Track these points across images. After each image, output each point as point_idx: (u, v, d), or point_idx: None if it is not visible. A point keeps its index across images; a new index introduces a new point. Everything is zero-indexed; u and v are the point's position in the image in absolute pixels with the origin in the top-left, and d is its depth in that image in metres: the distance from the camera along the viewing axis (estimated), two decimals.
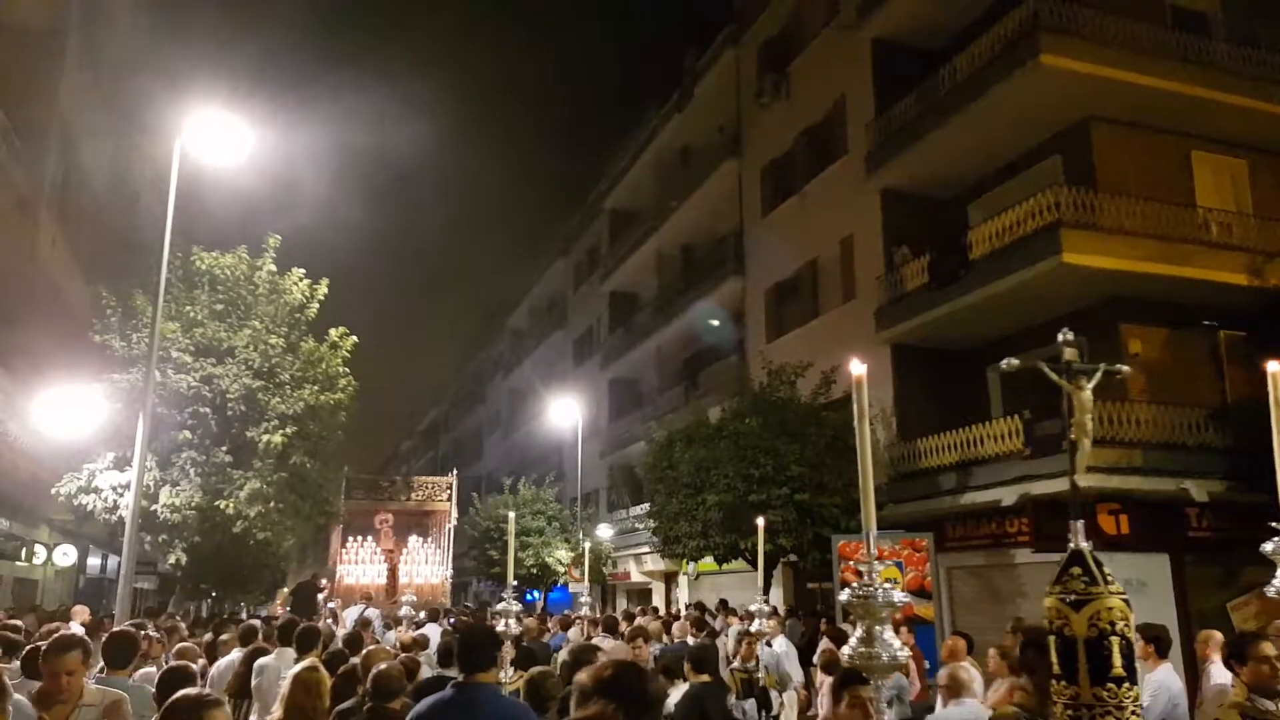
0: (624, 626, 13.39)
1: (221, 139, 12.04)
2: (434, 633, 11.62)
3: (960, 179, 18.18)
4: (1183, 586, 13.47)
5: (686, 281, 28.89)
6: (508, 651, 7.23)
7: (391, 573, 24.42)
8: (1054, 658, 3.15)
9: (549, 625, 15.48)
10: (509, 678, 6.98)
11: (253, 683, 7.00)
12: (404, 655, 7.27)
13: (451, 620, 15.21)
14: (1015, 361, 3.97)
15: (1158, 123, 15.61)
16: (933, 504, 15.67)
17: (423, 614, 15.11)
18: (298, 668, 5.28)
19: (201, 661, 9.14)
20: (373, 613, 15.33)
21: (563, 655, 11.97)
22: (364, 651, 7.03)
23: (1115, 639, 3.03)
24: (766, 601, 7.82)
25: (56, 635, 4.83)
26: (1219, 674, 7.56)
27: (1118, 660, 3.00)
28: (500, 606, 6.44)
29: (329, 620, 15.80)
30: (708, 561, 18.57)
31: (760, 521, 8.61)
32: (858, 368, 2.84)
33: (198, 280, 17.05)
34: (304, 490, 17.18)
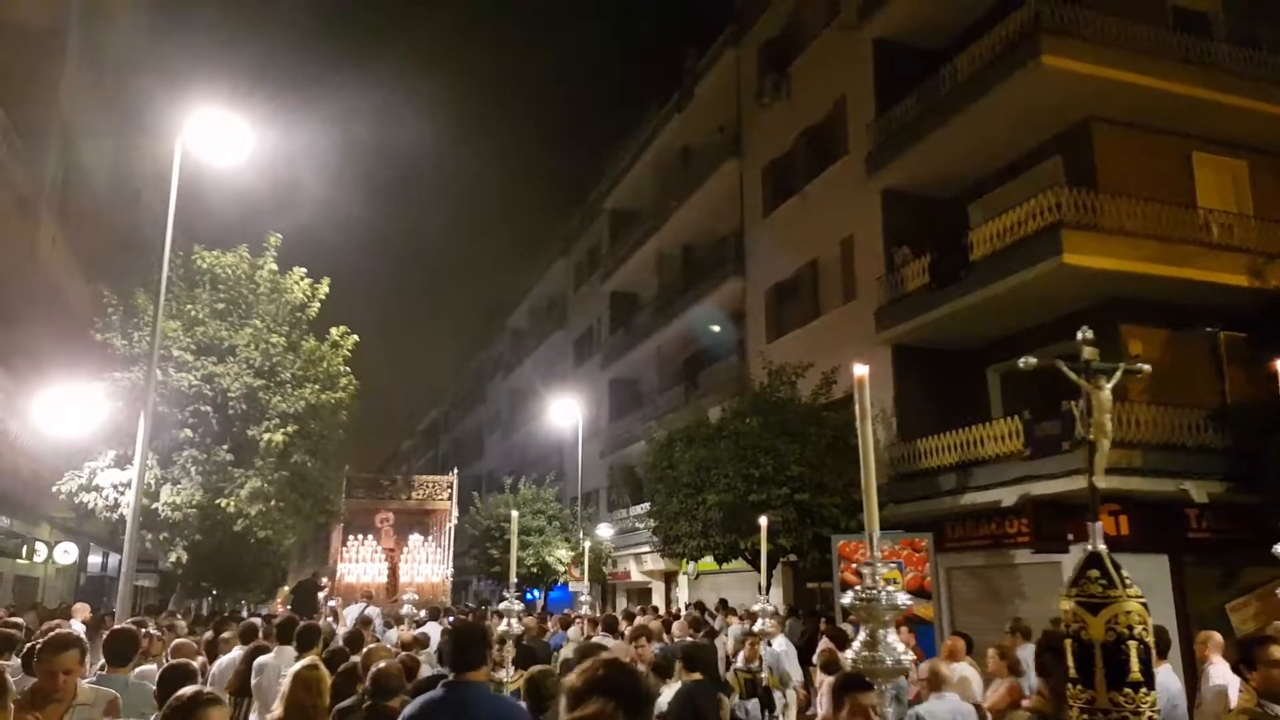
0: (624, 626, 13.42)
1: (222, 138, 12.06)
2: (434, 631, 11.65)
3: (961, 179, 18.19)
4: (1182, 587, 13.48)
5: (687, 282, 28.89)
6: (508, 651, 7.26)
7: (392, 571, 24.44)
8: (1070, 661, 3.09)
9: (549, 624, 15.51)
10: (509, 677, 7.00)
11: (253, 681, 7.01)
12: (404, 654, 7.28)
13: (451, 619, 15.22)
14: (1033, 360, 3.90)
15: (1158, 123, 15.61)
16: (932, 504, 15.68)
17: (422, 612, 15.14)
18: (298, 665, 5.29)
19: (202, 659, 9.18)
20: (373, 611, 15.34)
21: (565, 653, 12.01)
22: (364, 650, 7.04)
23: (1133, 643, 2.97)
24: (769, 601, 7.82)
25: (53, 634, 4.80)
26: (1218, 674, 7.58)
27: (1135, 665, 2.95)
28: (502, 605, 6.46)
29: (329, 619, 15.81)
30: (708, 561, 18.58)
31: (763, 521, 8.61)
32: (860, 369, 2.81)
33: (199, 279, 17.07)
34: (305, 489, 17.19)
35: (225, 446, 15.81)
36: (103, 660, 5.76)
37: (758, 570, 17.03)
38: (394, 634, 12.64)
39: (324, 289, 17.85)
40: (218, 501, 15.38)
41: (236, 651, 7.83)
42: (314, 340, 17.57)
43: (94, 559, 25.29)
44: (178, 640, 8.58)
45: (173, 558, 16.93)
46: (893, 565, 12.76)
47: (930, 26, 19.13)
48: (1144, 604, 3.07)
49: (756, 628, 7.83)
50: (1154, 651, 3.11)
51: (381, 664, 5.37)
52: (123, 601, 11.40)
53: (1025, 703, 7.58)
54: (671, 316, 28.64)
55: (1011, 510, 14.31)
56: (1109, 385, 3.62)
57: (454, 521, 25.82)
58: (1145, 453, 13.28)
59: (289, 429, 15.94)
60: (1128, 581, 3.14)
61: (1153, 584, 13.00)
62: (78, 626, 10.50)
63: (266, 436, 15.63)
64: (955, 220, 17.91)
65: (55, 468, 15.56)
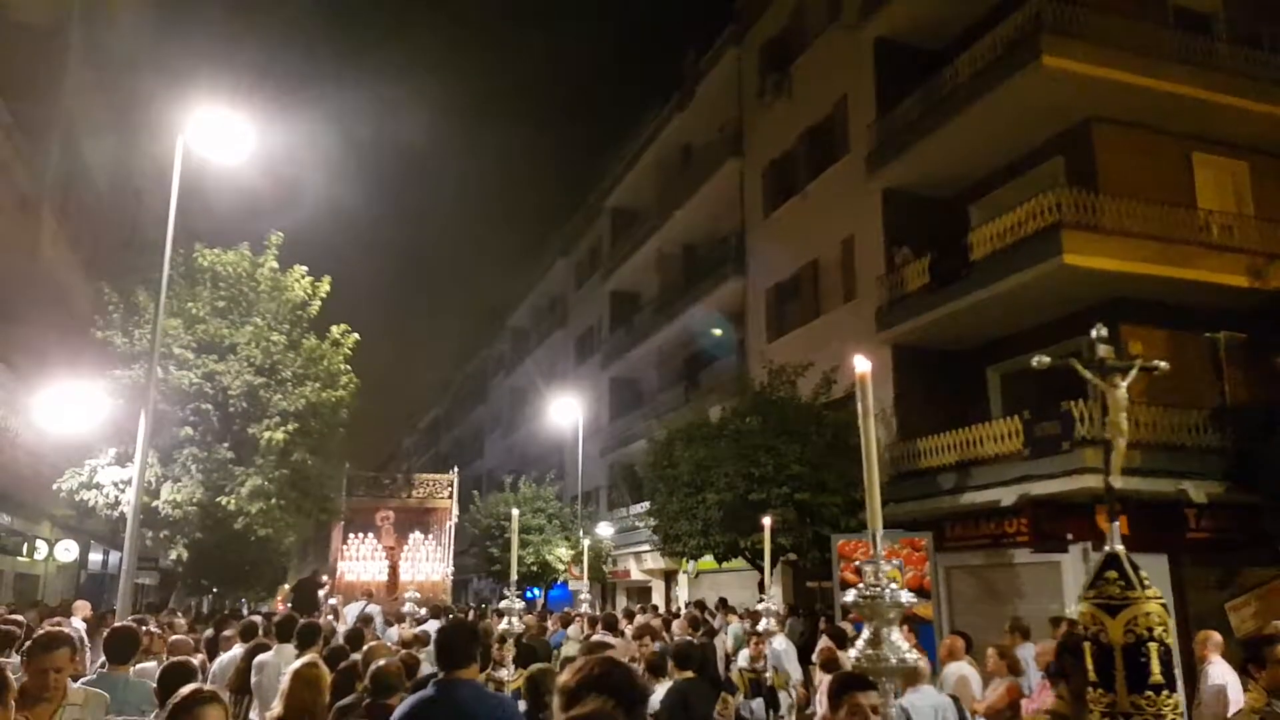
0: (624, 624, 13.45)
1: (224, 136, 12.09)
2: (435, 629, 11.65)
3: (962, 179, 18.19)
4: (1181, 587, 13.49)
5: (688, 281, 28.90)
6: (509, 649, 7.28)
7: (392, 570, 24.45)
8: (1090, 664, 3.03)
9: (549, 623, 15.53)
10: (510, 675, 7.02)
11: (253, 679, 7.03)
12: (404, 652, 7.30)
13: (451, 618, 15.24)
14: (1046, 360, 3.82)
15: (1159, 124, 15.61)
16: (932, 504, 15.70)
17: (423, 610, 15.15)
18: (298, 663, 5.30)
19: (202, 657, 9.20)
20: (374, 609, 15.36)
21: (567, 651, 12.03)
22: (365, 648, 7.05)
23: (1153, 645, 2.92)
24: (774, 601, 7.84)
25: (44, 632, 4.76)
26: (1216, 674, 7.60)
27: (1156, 667, 2.89)
28: (502, 604, 6.48)
29: (330, 617, 15.83)
30: (707, 560, 18.60)
31: (767, 521, 8.64)
32: (862, 364, 2.75)
33: (200, 277, 17.08)
34: (305, 487, 17.20)
35: (226, 444, 15.83)
36: (103, 658, 5.78)
37: (758, 569, 17.12)
38: (395, 632, 12.66)
39: (325, 287, 17.86)
40: (218, 499, 15.40)
41: (237, 649, 7.85)
42: (315, 338, 17.59)
43: (95, 557, 25.31)
44: (174, 637, 8.61)
45: (173, 555, 16.94)
46: (893, 564, 12.76)
47: (931, 26, 19.13)
48: (1164, 605, 3.02)
49: (760, 627, 7.84)
50: (1175, 653, 3.05)
51: (381, 662, 5.38)
52: (123, 599, 11.41)
53: (1030, 705, 7.60)
54: (672, 316, 28.64)
55: (1011, 510, 14.32)
56: (1124, 383, 3.52)
57: (454, 520, 25.82)
58: (1145, 453, 13.30)
59: (290, 427, 15.95)
60: (1146, 582, 3.08)
61: (1152, 584, 13.03)
62: (78, 624, 10.54)
63: (267, 434, 15.65)
64: (956, 220, 17.92)
65: (56, 465, 15.57)
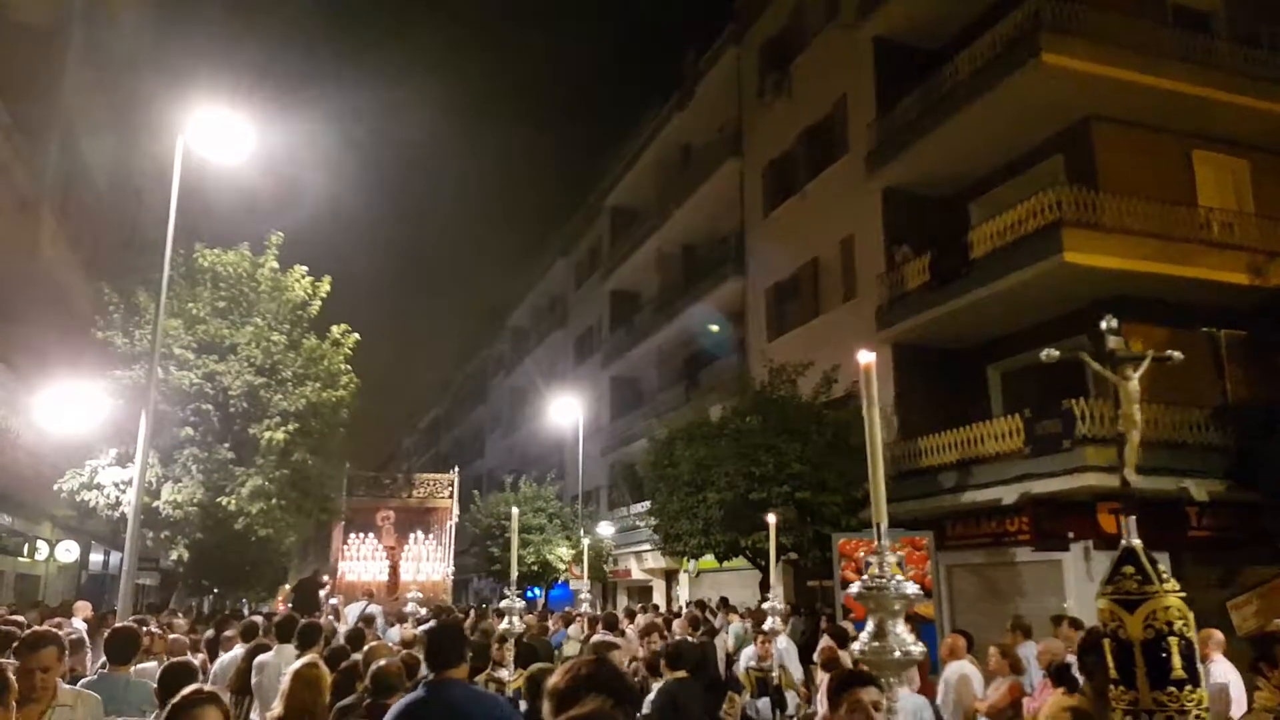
0: (625, 624, 13.46)
1: (224, 137, 12.08)
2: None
3: (961, 178, 18.18)
4: (1182, 585, 13.46)
5: (687, 280, 28.90)
6: (509, 649, 7.27)
7: (393, 569, 24.44)
8: (1110, 661, 2.98)
9: (550, 622, 15.52)
10: (510, 675, 7.01)
11: (253, 679, 7.02)
12: (404, 652, 7.29)
13: (450, 618, 15.23)
14: (1055, 353, 3.80)
15: (1159, 122, 15.61)
16: (933, 502, 15.69)
17: (423, 610, 15.14)
18: (298, 663, 5.29)
19: (202, 657, 9.19)
20: (375, 609, 15.35)
21: (569, 651, 12.02)
22: (365, 648, 7.04)
23: (1174, 639, 2.87)
24: (779, 599, 7.82)
25: (30, 631, 4.72)
26: (1218, 672, 7.60)
27: (1177, 662, 2.84)
28: (503, 603, 6.47)
29: (330, 617, 15.83)
30: (708, 559, 18.60)
31: (771, 519, 8.63)
32: (866, 356, 2.71)
33: (200, 277, 17.07)
34: (306, 487, 17.20)
35: (226, 445, 15.83)
36: (104, 658, 5.77)
37: (758, 568, 17.13)
38: (396, 632, 12.66)
39: (325, 287, 17.86)
40: (219, 500, 15.39)
41: (238, 650, 7.84)
42: (315, 338, 17.58)
43: (95, 557, 25.31)
44: (171, 636, 8.61)
45: (174, 556, 16.93)
46: (897, 556, 12.77)
47: (930, 25, 19.12)
48: (1183, 598, 2.96)
49: (766, 626, 7.84)
50: (1196, 647, 2.97)
51: (382, 662, 5.38)
52: (124, 600, 11.41)
53: (1032, 704, 7.59)
54: (672, 315, 28.65)
55: (1012, 508, 14.31)
56: (1136, 375, 3.47)
57: (455, 520, 25.82)
58: (1146, 451, 13.16)
59: (290, 427, 15.95)
60: (1164, 576, 3.02)
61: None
62: (79, 624, 10.53)
63: (267, 435, 15.64)
64: (956, 219, 17.91)
65: (57, 466, 15.57)
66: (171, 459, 15.38)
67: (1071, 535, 13.51)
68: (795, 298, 22.68)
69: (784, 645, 10.88)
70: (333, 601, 20.72)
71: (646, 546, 24.95)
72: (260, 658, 7.12)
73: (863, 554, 13.29)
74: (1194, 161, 16.18)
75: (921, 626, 11.86)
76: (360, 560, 24.25)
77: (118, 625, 6.66)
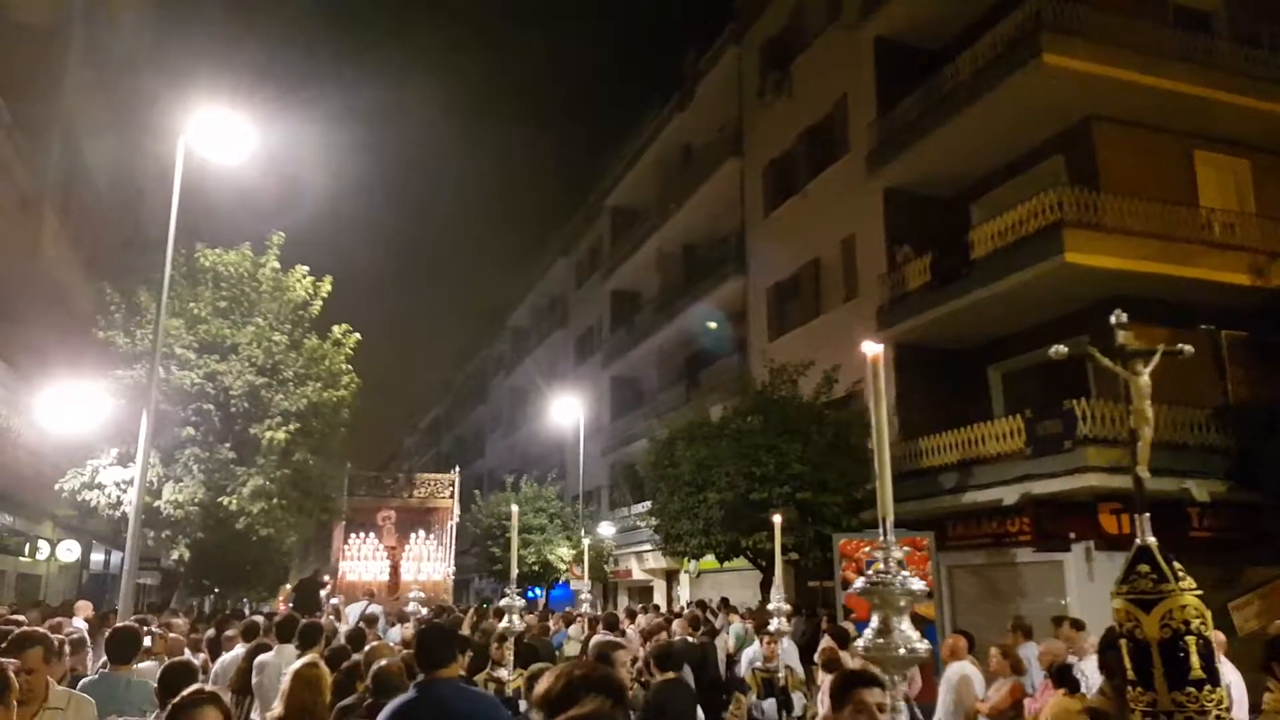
0: (625, 624, 13.46)
1: (225, 136, 12.08)
2: None
3: (962, 178, 18.18)
4: None
5: (688, 280, 28.90)
6: (508, 649, 7.26)
7: (394, 569, 24.44)
8: (1127, 663, 2.93)
9: (551, 622, 15.52)
10: (510, 675, 7.01)
11: (254, 679, 7.02)
12: (405, 651, 7.28)
13: (451, 618, 15.23)
14: (1063, 349, 3.74)
15: (1160, 122, 15.60)
16: (934, 503, 15.68)
17: (424, 610, 15.14)
18: (299, 663, 5.29)
19: (204, 657, 9.19)
20: (376, 609, 15.35)
21: (569, 650, 12.02)
22: (366, 647, 7.04)
23: (1192, 639, 2.83)
24: (784, 600, 7.80)
25: (17, 632, 4.67)
26: (1221, 673, 7.57)
27: (1196, 661, 2.79)
28: (503, 602, 6.47)
29: (331, 616, 15.83)
30: (709, 560, 18.59)
31: (777, 519, 8.63)
32: (873, 347, 2.66)
33: (201, 277, 17.07)
34: (307, 487, 17.19)
35: (227, 444, 15.83)
36: (105, 658, 5.77)
37: (759, 569, 17.12)
38: (396, 632, 12.66)
39: (326, 287, 17.87)
40: (220, 499, 15.40)
41: (238, 649, 7.84)
42: (316, 338, 17.59)
43: (96, 557, 25.31)
44: (170, 636, 8.61)
45: (175, 556, 16.94)
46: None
47: (931, 25, 19.12)
48: (1200, 596, 2.91)
49: (772, 627, 7.82)
50: (1215, 646, 2.91)
51: (383, 662, 5.37)
52: (125, 599, 11.42)
53: (1033, 705, 7.59)
54: (673, 315, 28.64)
55: (1013, 509, 14.31)
56: (1146, 370, 3.40)
57: (456, 519, 25.82)
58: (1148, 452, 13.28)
59: (291, 427, 15.95)
60: (1180, 574, 2.98)
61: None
62: (80, 624, 10.53)
63: (268, 434, 15.65)
64: (957, 219, 17.91)
65: (58, 465, 15.57)
66: (173, 459, 15.39)
67: (1072, 536, 13.50)
68: (796, 298, 22.67)
69: (785, 646, 10.88)
70: (333, 601, 20.73)
71: (647, 547, 24.95)
72: (261, 657, 7.12)
73: (864, 554, 13.30)
74: (1195, 162, 16.17)
75: (923, 627, 11.87)
76: (361, 560, 24.24)
77: (119, 625, 6.66)
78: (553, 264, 43.61)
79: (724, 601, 18.08)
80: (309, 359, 17.08)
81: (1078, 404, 13.38)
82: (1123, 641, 2.96)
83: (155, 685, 4.98)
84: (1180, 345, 3.50)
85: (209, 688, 3.91)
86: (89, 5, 19.38)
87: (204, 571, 21.04)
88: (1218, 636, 8.06)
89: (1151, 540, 3.10)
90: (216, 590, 27.27)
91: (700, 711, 6.35)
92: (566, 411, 31.75)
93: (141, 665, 6.53)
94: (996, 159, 17.35)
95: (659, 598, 27.32)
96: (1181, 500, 13.39)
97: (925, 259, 17.15)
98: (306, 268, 17.77)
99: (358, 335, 18.15)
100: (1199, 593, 2.92)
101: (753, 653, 10.66)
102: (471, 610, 16.68)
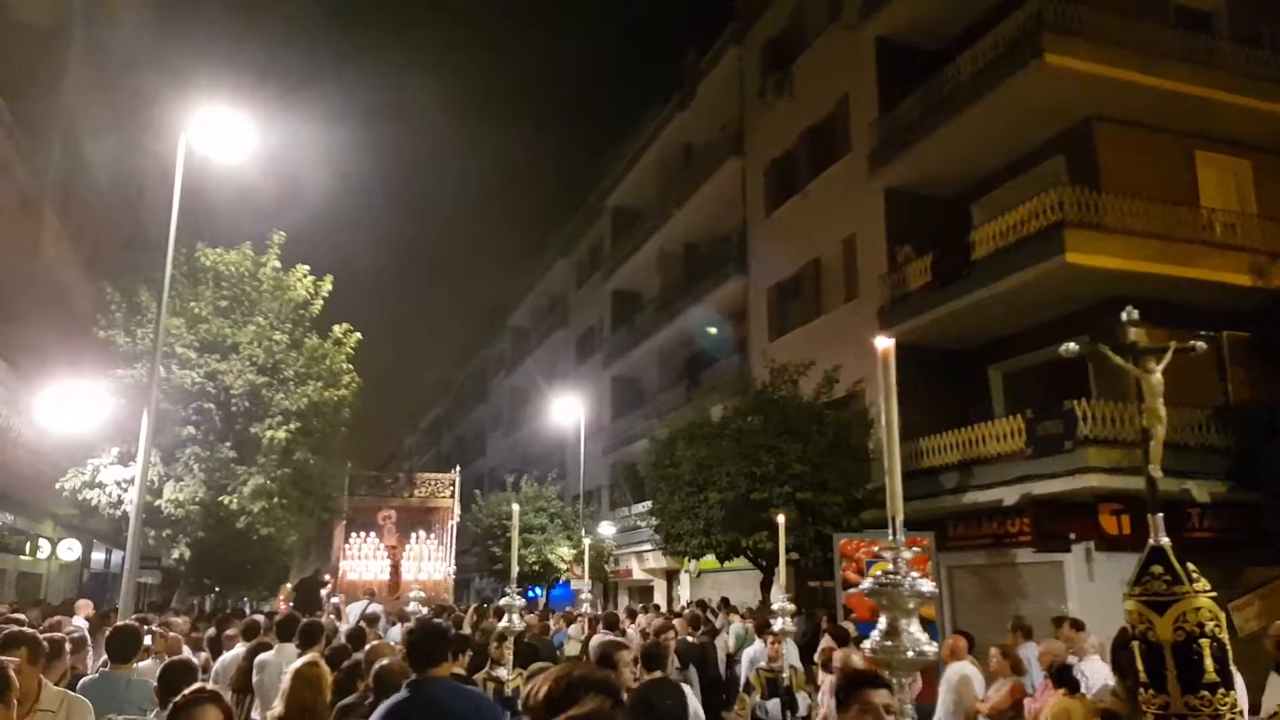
0: (625, 623, 13.46)
1: (225, 136, 12.08)
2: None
3: (963, 178, 18.17)
4: None
5: (689, 280, 28.89)
6: (508, 648, 7.26)
7: (394, 569, 24.44)
8: (1140, 665, 2.89)
9: (551, 622, 15.53)
10: (509, 674, 7.01)
11: (254, 678, 7.02)
12: None
13: (452, 617, 15.24)
14: (1074, 346, 3.68)
15: (1161, 122, 15.59)
16: (934, 503, 15.68)
17: (425, 610, 15.14)
18: (299, 662, 5.29)
19: (205, 656, 9.20)
20: (377, 608, 15.36)
21: (570, 650, 12.03)
22: (367, 646, 7.05)
23: (1206, 641, 2.78)
24: (788, 600, 7.81)
25: (4, 633, 4.63)
26: None
27: (1210, 664, 2.75)
28: (502, 601, 6.46)
29: (332, 616, 15.84)
30: (709, 559, 18.59)
31: (781, 519, 8.63)
32: (884, 342, 2.62)
33: (202, 276, 17.09)
34: (307, 486, 17.20)
35: (228, 444, 15.84)
36: (105, 657, 5.77)
37: (759, 568, 17.12)
38: (397, 631, 12.66)
39: (327, 286, 17.88)
40: (220, 499, 15.41)
41: (239, 648, 7.84)
42: (317, 338, 17.60)
43: (97, 556, 25.32)
44: (169, 634, 8.62)
45: (176, 555, 16.95)
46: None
47: (933, 25, 19.11)
48: (1214, 599, 2.87)
49: (777, 627, 7.83)
50: (1229, 649, 2.86)
51: (384, 661, 5.37)
52: (126, 598, 11.42)
53: (1033, 705, 7.59)
54: (673, 315, 28.64)
55: (1013, 509, 14.30)
56: (1159, 368, 3.37)
57: (456, 519, 25.82)
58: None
59: (291, 426, 15.96)
60: (1194, 576, 2.93)
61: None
62: (81, 623, 10.53)
63: (269, 434, 15.65)
64: (957, 219, 17.90)
65: (58, 464, 15.58)
66: (173, 458, 15.40)
67: (1073, 536, 13.50)
68: (797, 297, 22.67)
69: (786, 645, 10.88)
70: (334, 600, 20.74)
71: (647, 546, 24.95)
72: (261, 656, 7.12)
73: (864, 553, 13.30)
74: (1196, 162, 16.16)
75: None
76: (362, 559, 24.25)
77: (119, 624, 6.67)
78: (553, 264, 43.61)
79: (724, 601, 18.08)
80: (310, 358, 17.09)
81: (1078, 404, 13.38)
82: (1135, 643, 2.93)
83: (155, 684, 4.99)
84: (1193, 342, 3.45)
85: (210, 686, 3.91)
86: (89, 4, 19.39)
87: (205, 570, 21.05)
88: None
89: (1165, 541, 3.04)
90: (217, 589, 27.29)
91: (701, 711, 6.35)
92: (567, 411, 31.75)
93: (141, 664, 6.54)
94: (997, 159, 17.35)
95: (659, 597, 27.32)
96: (1182, 500, 13.38)
97: (926, 259, 17.14)
98: (307, 267, 17.80)
99: (358, 335, 18.17)
100: (1213, 595, 2.87)
101: (753, 652, 10.66)
102: (472, 609, 16.69)
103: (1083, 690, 6.76)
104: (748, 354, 24.34)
